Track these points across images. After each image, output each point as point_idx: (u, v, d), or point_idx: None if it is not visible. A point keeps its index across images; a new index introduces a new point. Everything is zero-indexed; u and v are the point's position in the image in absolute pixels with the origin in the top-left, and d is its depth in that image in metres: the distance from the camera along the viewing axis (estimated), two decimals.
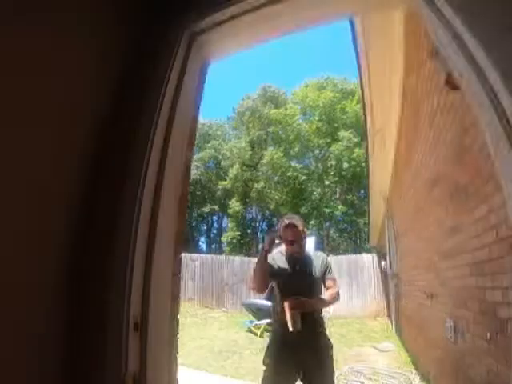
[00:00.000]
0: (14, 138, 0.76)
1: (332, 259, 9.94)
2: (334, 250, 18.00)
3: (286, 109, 19.23)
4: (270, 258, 2.18)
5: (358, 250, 16.75)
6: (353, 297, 9.31)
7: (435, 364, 3.33)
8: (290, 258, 2.21)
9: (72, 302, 0.83)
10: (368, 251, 10.86)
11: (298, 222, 2.21)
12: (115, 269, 0.81)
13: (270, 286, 2.21)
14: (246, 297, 8.97)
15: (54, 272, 0.82)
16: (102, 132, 1.07)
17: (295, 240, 2.16)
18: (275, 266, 2.19)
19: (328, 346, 2.13)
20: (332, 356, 2.14)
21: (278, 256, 2.24)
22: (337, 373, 4.38)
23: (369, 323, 8.13)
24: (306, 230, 2.29)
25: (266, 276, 2.15)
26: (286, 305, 2.00)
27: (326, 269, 2.23)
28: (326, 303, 2.25)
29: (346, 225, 20.54)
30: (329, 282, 2.21)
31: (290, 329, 1.96)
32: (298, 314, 1.99)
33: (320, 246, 16.83)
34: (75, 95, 0.98)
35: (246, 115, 21.58)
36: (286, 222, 2.20)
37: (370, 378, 4.11)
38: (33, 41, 0.82)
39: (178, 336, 0.97)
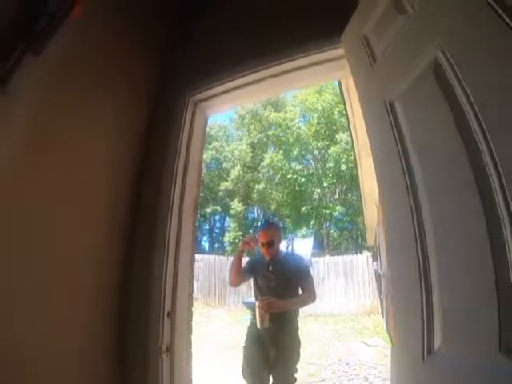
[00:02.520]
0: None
1: (329, 259, 10.40)
2: (335, 249, 18.38)
3: (285, 112, 19.61)
4: (252, 259, 2.48)
5: (358, 248, 17.07)
6: (348, 295, 9.71)
7: None
8: (265, 259, 2.39)
9: (125, 292, 1.31)
10: (369, 250, 11.18)
11: (273, 227, 2.47)
12: (155, 276, 1.29)
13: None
14: (246, 296, 9.38)
15: (115, 272, 1.31)
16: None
17: (269, 243, 2.33)
18: (253, 266, 2.44)
19: (295, 344, 2.25)
20: (298, 353, 2.26)
21: (258, 257, 2.49)
22: (326, 363, 4.88)
23: (362, 320, 8.54)
24: (281, 234, 2.53)
25: (240, 273, 2.39)
26: (257, 304, 2.14)
27: (301, 272, 2.32)
28: (296, 305, 2.31)
29: (346, 224, 20.85)
30: (303, 286, 2.29)
31: (258, 326, 2.12)
32: (266, 313, 2.10)
33: (319, 246, 17.25)
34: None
35: (246, 118, 22.00)
36: (263, 227, 2.52)
37: (355, 369, 4.59)
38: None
39: (192, 321, 1.45)
